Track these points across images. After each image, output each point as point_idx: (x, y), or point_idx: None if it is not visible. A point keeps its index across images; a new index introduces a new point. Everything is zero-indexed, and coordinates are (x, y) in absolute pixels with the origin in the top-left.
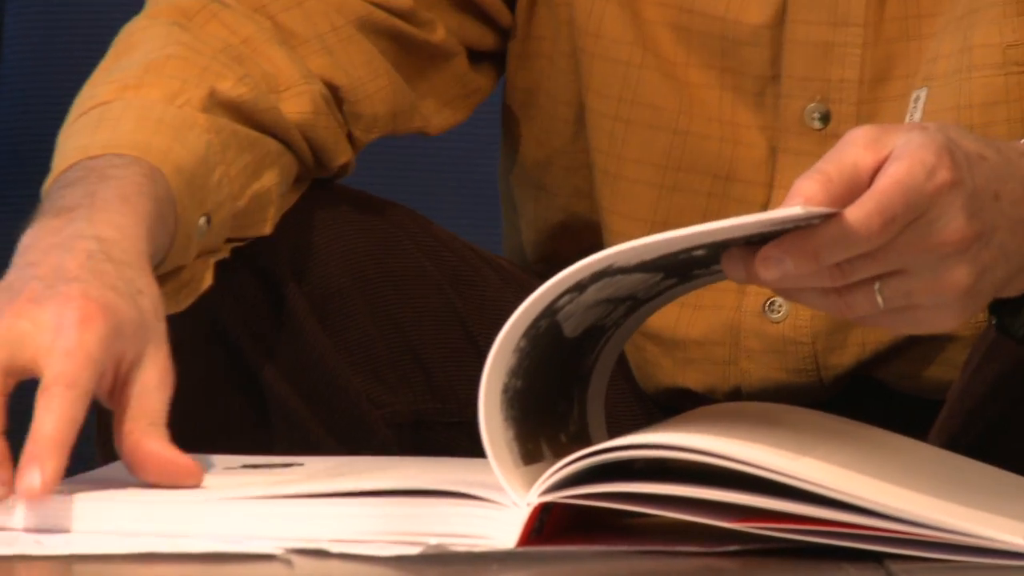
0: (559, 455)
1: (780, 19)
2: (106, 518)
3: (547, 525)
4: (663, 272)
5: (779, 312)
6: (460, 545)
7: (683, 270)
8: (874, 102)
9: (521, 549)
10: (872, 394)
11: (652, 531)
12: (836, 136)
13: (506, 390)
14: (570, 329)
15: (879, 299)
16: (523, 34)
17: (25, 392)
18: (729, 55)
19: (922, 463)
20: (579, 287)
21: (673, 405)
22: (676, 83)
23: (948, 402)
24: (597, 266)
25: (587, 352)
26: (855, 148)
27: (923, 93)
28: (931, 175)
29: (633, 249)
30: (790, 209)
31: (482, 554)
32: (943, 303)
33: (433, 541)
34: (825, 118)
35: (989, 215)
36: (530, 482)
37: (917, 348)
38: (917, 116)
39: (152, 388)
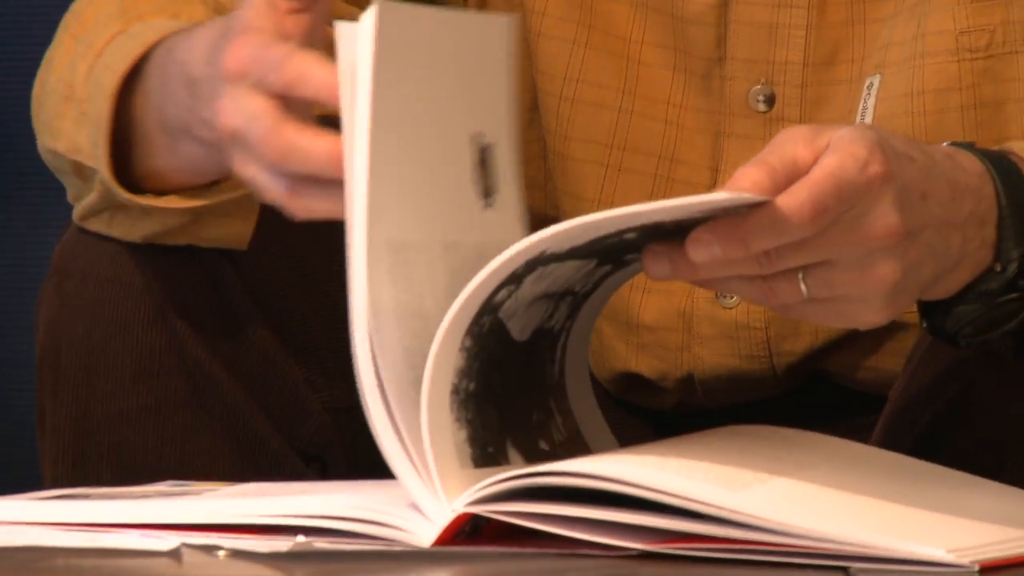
0: (538, 462)
1: None
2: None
3: (485, 527)
4: (596, 258)
5: (732, 297)
6: (349, 543)
7: (616, 255)
8: (819, 85)
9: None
10: (827, 393)
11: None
12: (781, 119)
13: (456, 391)
14: (517, 331)
15: (803, 287)
16: None
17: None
18: (679, 34)
19: (880, 477)
20: (515, 278)
21: (625, 396)
22: (622, 62)
23: (890, 401)
24: (529, 253)
25: (545, 360)
26: (794, 143)
27: (876, 80)
28: (863, 168)
29: (565, 231)
30: (718, 194)
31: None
32: (867, 297)
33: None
34: (770, 101)
35: (918, 213)
36: (475, 483)
37: (870, 337)
38: (870, 103)
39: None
